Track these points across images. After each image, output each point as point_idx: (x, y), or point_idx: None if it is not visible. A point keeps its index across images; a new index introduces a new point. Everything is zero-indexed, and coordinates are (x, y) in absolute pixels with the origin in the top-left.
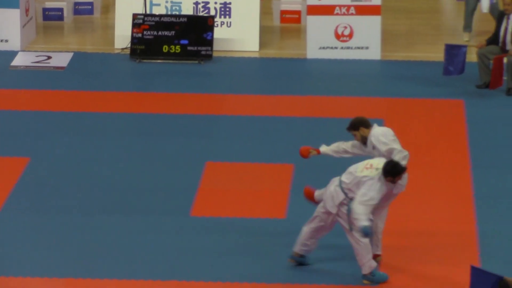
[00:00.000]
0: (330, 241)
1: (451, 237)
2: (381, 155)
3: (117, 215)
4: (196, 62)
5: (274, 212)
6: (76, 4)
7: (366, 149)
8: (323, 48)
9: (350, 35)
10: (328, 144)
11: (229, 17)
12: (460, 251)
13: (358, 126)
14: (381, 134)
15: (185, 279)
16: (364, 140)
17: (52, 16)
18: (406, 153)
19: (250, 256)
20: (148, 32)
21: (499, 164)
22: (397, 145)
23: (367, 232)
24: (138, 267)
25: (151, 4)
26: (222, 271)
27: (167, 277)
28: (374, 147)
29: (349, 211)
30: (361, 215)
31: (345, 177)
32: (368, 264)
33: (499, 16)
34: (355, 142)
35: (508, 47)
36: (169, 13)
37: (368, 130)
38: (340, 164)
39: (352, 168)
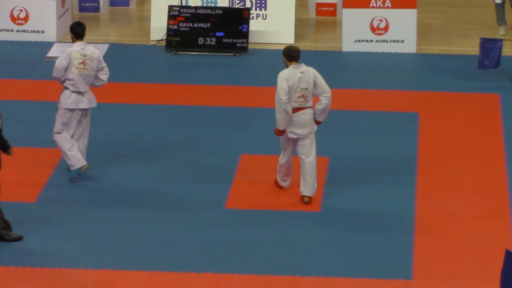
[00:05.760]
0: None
1: (486, 232)
2: None
3: (153, 207)
4: (232, 54)
5: (309, 205)
6: None
7: None
8: (359, 41)
9: (386, 28)
10: None
11: (265, 9)
12: (495, 247)
13: None
14: None
15: (220, 271)
16: None
17: (88, 7)
18: None
19: (285, 249)
20: (184, 24)
21: None
22: None
23: None
24: (173, 260)
25: None
26: (258, 264)
27: (202, 269)
28: None
29: None
30: None
31: None
32: None
33: None
34: None
35: None
36: (204, 5)
37: None
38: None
39: None
